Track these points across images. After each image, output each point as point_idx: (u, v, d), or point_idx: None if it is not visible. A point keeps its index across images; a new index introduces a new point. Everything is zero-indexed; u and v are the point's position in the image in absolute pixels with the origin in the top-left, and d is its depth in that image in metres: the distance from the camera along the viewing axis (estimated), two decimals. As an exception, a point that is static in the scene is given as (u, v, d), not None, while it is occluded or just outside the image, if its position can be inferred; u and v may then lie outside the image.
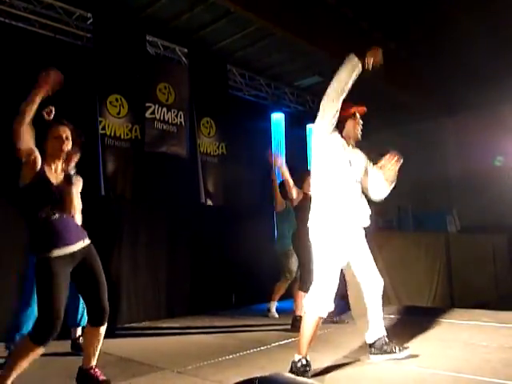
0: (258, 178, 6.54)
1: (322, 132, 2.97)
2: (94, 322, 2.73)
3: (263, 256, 6.19)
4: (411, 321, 4.65)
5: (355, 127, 3.04)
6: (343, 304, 5.11)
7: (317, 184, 2.99)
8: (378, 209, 6.49)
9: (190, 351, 3.71)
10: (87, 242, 2.74)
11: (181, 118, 5.64)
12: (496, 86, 5.98)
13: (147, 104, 5.34)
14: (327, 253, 2.90)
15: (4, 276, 4.13)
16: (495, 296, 5.24)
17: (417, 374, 2.92)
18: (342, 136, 3.03)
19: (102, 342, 2.79)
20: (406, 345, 3.25)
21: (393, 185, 3.12)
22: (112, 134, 4.96)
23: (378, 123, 7.52)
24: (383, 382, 2.81)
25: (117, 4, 5.03)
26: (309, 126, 7.90)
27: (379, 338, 3.15)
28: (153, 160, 5.32)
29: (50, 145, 2.70)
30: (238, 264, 6.12)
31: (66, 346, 3.72)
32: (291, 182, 4.61)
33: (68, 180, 2.73)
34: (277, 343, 3.86)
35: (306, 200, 4.58)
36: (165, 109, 5.50)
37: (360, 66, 2.87)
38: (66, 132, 2.74)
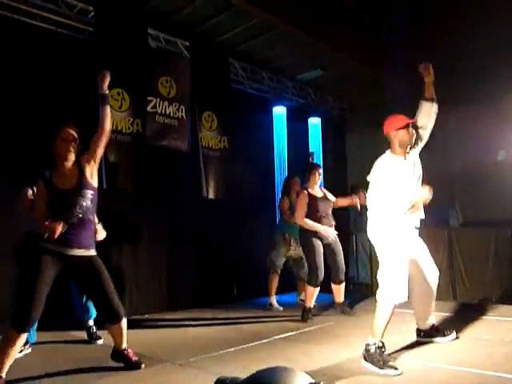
0: (259, 171, 6.54)
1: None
2: (112, 322, 2.99)
3: (265, 249, 6.19)
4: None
5: (409, 137, 3.25)
6: (353, 297, 5.23)
7: (376, 196, 3.19)
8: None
9: (192, 344, 3.73)
10: (91, 253, 2.92)
11: (182, 111, 5.62)
12: (498, 78, 5.93)
13: (149, 98, 5.32)
14: (394, 246, 3.08)
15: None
16: (498, 290, 5.23)
17: (418, 367, 2.93)
18: (395, 150, 3.25)
19: (126, 328, 3.05)
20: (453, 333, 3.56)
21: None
22: (114, 127, 4.93)
23: (377, 115, 7.49)
24: (383, 374, 2.82)
25: (118, -3, 5.01)
26: (311, 120, 7.88)
27: (432, 325, 3.55)
28: (154, 154, 5.30)
29: (59, 146, 2.89)
30: (240, 257, 6.13)
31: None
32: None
33: (104, 99, 3.03)
34: (278, 336, 3.88)
35: (311, 198, 4.67)
36: (166, 102, 5.48)
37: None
38: (72, 134, 2.93)
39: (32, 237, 2.95)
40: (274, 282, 5.42)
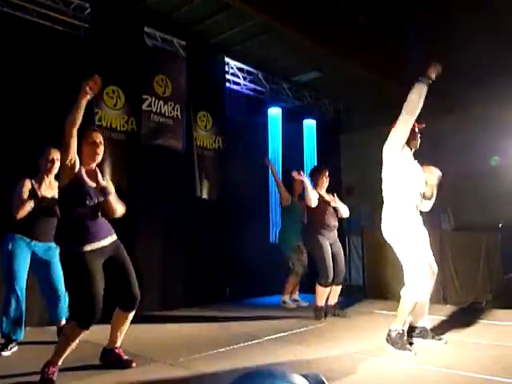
0: (254, 172, 6.54)
1: (394, 151, 3.40)
2: (125, 308, 3.01)
3: (258, 250, 6.20)
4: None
5: (415, 141, 3.49)
6: (346, 299, 5.23)
7: (390, 190, 3.46)
8: (373, 207, 6.55)
9: (182, 343, 3.72)
10: (114, 237, 3.03)
11: (177, 110, 5.62)
12: (492, 86, 5.99)
13: (144, 96, 5.31)
14: (415, 244, 3.31)
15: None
16: (488, 293, 5.27)
17: (407, 369, 2.95)
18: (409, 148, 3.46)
19: (128, 325, 3.09)
20: (443, 337, 3.64)
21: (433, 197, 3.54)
22: (108, 125, 4.94)
23: (371, 117, 7.54)
24: (373, 375, 2.84)
25: (115, -5, 5.01)
26: (306, 122, 7.91)
27: (426, 326, 3.60)
28: (149, 153, 5.30)
29: (86, 149, 2.92)
30: (233, 258, 6.13)
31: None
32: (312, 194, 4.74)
33: (104, 192, 2.92)
34: (270, 337, 3.87)
35: (320, 197, 4.76)
36: (161, 101, 5.48)
37: (426, 87, 3.31)
38: (99, 137, 2.98)
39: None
40: (295, 284, 5.62)
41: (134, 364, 3.03)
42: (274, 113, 7.26)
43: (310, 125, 7.91)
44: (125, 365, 3.02)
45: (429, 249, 3.51)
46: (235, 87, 6.67)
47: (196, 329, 4.39)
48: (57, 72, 4.63)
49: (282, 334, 3.98)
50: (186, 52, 5.82)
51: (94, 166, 2.97)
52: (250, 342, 3.67)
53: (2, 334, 3.50)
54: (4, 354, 3.38)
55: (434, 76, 3.32)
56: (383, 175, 3.51)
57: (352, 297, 6.09)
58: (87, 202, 2.84)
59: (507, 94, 6.03)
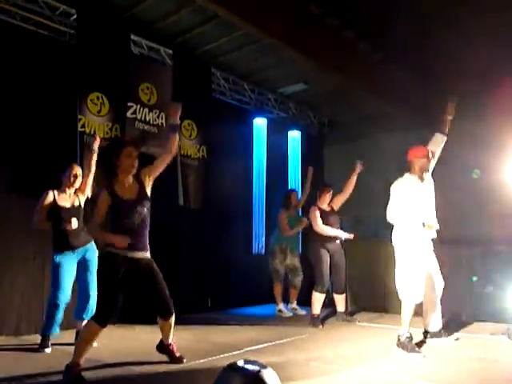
0: (237, 182, 6.55)
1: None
2: (163, 316, 3.30)
3: (240, 260, 6.18)
4: (386, 328, 4.68)
5: (428, 164, 3.92)
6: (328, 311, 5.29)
7: (396, 210, 3.82)
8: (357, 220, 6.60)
9: (160, 354, 3.66)
10: (147, 255, 3.20)
11: (162, 119, 5.60)
12: (475, 101, 6.10)
13: (129, 103, 5.30)
14: (413, 255, 3.71)
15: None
16: (468, 306, 5.31)
17: (388, 381, 2.94)
18: (415, 173, 3.88)
19: (173, 324, 3.35)
20: (455, 334, 4.14)
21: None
22: (91, 132, 4.90)
23: (353, 131, 7.63)
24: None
25: (102, 1, 4.97)
26: (290, 133, 7.95)
27: (438, 329, 4.02)
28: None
29: (123, 162, 3.15)
30: (215, 267, 6.10)
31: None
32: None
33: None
34: (249, 348, 3.84)
35: (321, 212, 5.05)
36: (146, 109, 5.46)
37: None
38: (136, 152, 3.23)
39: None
40: (280, 290, 5.70)
41: (184, 360, 3.32)
42: (259, 123, 7.29)
43: (294, 136, 7.96)
44: (177, 361, 3.32)
45: (435, 268, 3.92)
46: (221, 97, 6.69)
47: (175, 339, 4.32)
48: (41, 77, 4.59)
49: (262, 346, 3.95)
50: (173, 61, 5.82)
51: (130, 177, 3.18)
52: (229, 354, 3.62)
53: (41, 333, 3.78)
54: (47, 350, 3.70)
55: (451, 117, 3.98)
56: (392, 196, 3.86)
57: (334, 308, 6.08)
58: (129, 221, 3.07)
59: (483, 110, 6.15)
